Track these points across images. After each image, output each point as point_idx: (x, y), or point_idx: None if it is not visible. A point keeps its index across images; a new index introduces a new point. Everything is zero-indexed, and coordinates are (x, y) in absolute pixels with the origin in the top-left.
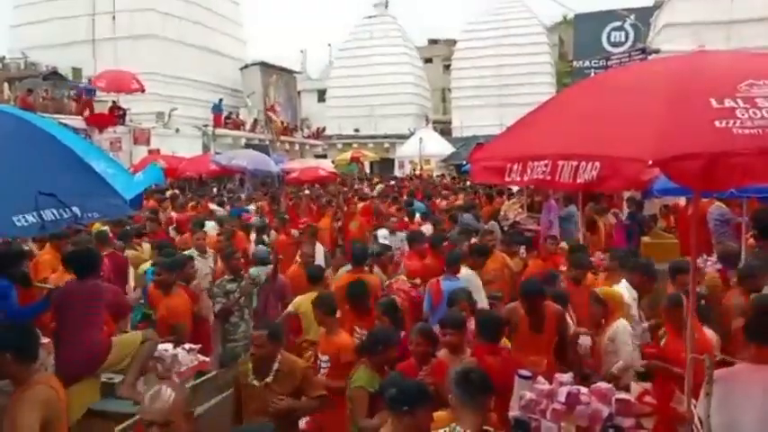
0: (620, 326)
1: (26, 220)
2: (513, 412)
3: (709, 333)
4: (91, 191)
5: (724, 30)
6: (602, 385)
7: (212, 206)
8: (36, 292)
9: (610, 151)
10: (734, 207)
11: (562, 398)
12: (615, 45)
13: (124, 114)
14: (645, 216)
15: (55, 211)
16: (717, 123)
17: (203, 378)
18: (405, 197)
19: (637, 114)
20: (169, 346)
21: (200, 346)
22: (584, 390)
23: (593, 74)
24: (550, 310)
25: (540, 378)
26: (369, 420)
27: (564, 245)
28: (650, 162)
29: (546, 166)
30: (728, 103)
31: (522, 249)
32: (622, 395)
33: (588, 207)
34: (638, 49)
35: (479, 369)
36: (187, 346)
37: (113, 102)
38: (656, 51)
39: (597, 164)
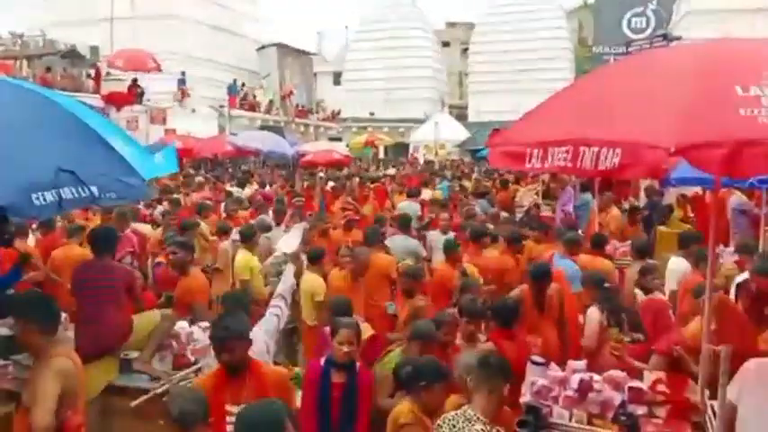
0: None
1: (44, 199)
2: (525, 398)
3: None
4: (110, 170)
5: (749, 18)
6: (615, 373)
7: (230, 188)
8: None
9: (631, 138)
10: (753, 198)
11: (575, 385)
12: (636, 31)
13: (142, 93)
14: (662, 205)
15: (74, 189)
16: (741, 111)
17: None
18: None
19: (660, 101)
20: (185, 323)
21: None
22: (596, 377)
23: (612, 60)
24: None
25: (553, 365)
26: (389, 400)
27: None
28: (673, 149)
29: (567, 152)
30: (754, 91)
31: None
32: (635, 383)
33: (605, 196)
34: (659, 35)
35: (499, 355)
36: (203, 324)
37: (133, 80)
38: (678, 38)
39: (618, 150)
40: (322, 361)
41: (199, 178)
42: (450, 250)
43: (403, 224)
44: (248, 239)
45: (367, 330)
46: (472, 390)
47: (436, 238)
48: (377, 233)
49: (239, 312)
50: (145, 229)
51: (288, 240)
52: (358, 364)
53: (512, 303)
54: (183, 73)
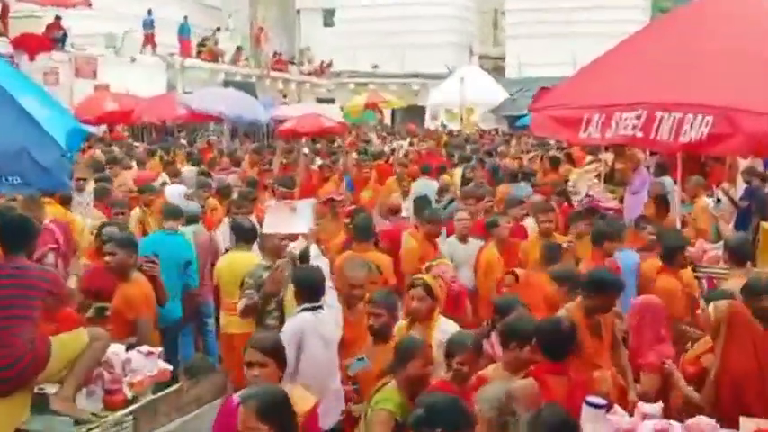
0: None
1: None
2: None
3: None
4: (19, 143)
5: None
6: (703, 420)
7: (184, 166)
8: None
9: (728, 101)
10: None
11: None
12: None
13: (64, 37)
14: (766, 193)
15: None
16: None
17: (164, 392)
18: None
19: (766, 56)
20: (120, 347)
21: (160, 349)
22: (676, 424)
23: None
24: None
25: (618, 408)
26: None
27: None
28: None
29: (638, 118)
30: None
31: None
32: None
33: (692, 180)
34: None
35: (557, 409)
36: (144, 348)
37: (56, 17)
38: None
39: (709, 118)
40: (235, 399)
41: (139, 150)
42: (551, 256)
43: (421, 209)
44: (247, 237)
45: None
46: None
47: (454, 248)
48: (368, 226)
49: None
50: (72, 218)
51: (295, 221)
52: None
53: (566, 328)
54: (150, 12)
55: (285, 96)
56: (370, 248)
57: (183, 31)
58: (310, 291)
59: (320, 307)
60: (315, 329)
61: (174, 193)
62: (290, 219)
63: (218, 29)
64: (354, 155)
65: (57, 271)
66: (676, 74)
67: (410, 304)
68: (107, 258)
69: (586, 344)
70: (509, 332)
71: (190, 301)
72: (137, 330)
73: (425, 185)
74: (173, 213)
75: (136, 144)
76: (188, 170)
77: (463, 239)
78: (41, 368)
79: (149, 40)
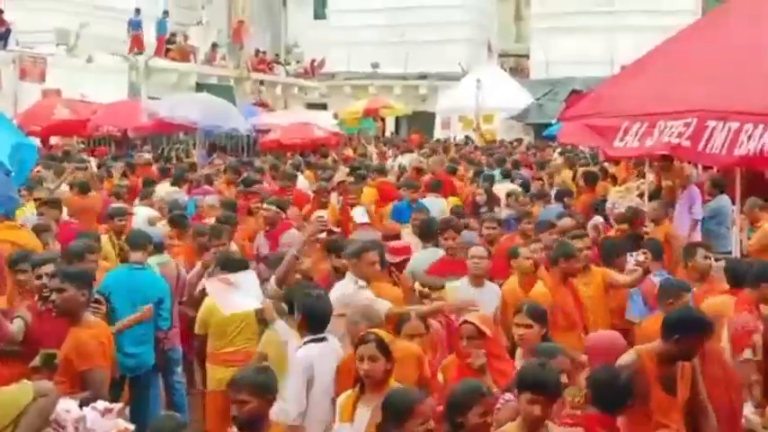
0: None
1: None
2: None
3: None
4: None
5: None
6: None
7: (162, 187)
8: None
9: None
10: None
11: None
12: None
13: (7, 33)
14: None
15: None
16: None
17: None
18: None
19: None
20: (72, 404)
21: (120, 405)
22: None
23: None
24: None
25: None
26: None
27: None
28: None
29: (686, 126)
30: None
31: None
32: None
33: (749, 202)
34: None
35: None
36: (101, 404)
37: None
38: None
39: None
40: None
41: (92, 167)
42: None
43: (426, 231)
44: (240, 270)
45: None
46: None
47: (465, 295)
48: (381, 253)
49: None
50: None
51: (241, 298)
52: None
53: (624, 380)
54: (138, 11)
55: (262, 98)
56: (385, 279)
57: (162, 28)
58: (315, 320)
59: (324, 338)
60: (322, 363)
61: (140, 217)
62: (236, 295)
63: (200, 23)
64: (343, 170)
65: None
66: (733, 76)
67: (359, 366)
68: (53, 297)
69: (655, 397)
70: (520, 380)
71: (158, 345)
72: (90, 382)
73: (432, 203)
74: (139, 242)
75: (89, 158)
76: (172, 191)
77: (477, 282)
78: None
79: (136, 42)
